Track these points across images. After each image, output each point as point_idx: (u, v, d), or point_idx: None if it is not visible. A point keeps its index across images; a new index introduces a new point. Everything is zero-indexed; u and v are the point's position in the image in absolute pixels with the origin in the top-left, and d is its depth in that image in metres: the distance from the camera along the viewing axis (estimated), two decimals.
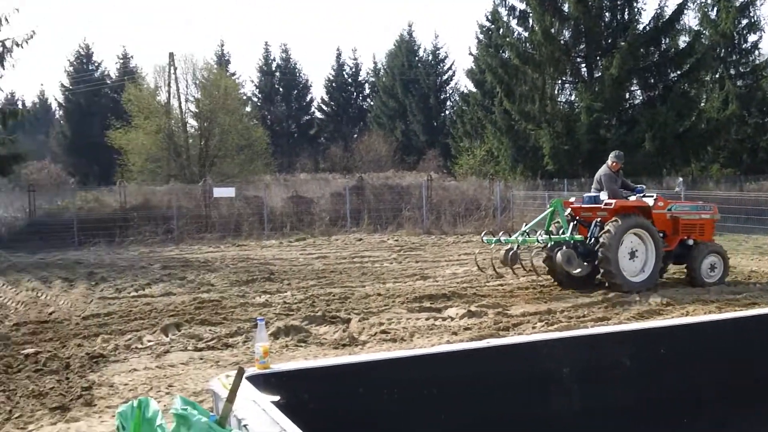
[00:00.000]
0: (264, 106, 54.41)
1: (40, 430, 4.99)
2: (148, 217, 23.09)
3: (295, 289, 11.41)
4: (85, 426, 5.06)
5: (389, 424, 3.39)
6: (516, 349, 3.69)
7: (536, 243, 10.77)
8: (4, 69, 23.35)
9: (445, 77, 51.46)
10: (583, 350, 3.69)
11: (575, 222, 10.98)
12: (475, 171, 33.26)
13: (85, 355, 7.13)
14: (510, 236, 10.99)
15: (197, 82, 35.24)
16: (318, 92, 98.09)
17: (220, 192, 23.40)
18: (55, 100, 60.03)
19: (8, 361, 6.83)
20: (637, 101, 28.31)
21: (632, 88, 28.09)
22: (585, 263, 10.52)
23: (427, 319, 8.79)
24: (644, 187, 11.55)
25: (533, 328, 8.17)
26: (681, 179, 14.57)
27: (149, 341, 7.74)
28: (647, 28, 26.93)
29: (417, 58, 51.71)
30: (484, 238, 11.04)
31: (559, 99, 29.36)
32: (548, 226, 10.95)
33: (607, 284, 10.39)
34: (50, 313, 9.64)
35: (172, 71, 34.74)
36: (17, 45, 23.33)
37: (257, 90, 56.08)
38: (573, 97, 29.44)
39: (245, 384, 2.65)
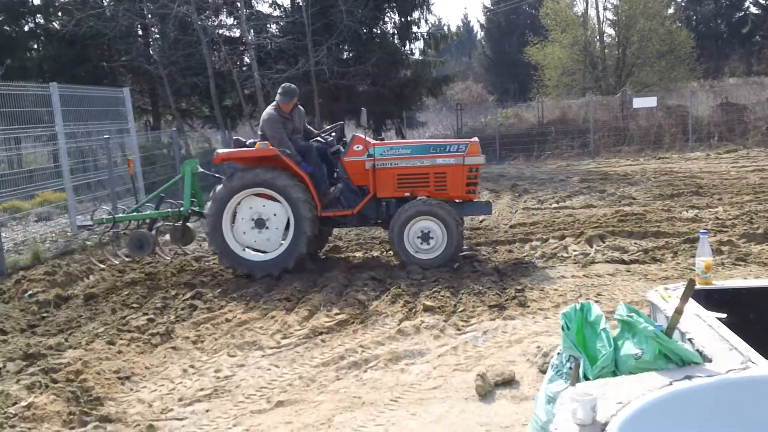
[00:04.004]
0: (689, 6, 49.63)
1: (481, 324, 5.46)
2: (564, 131, 23.39)
3: (728, 204, 10.42)
4: (520, 324, 5.38)
5: None
6: None
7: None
8: None
9: None
10: None
11: None
12: None
13: (514, 260, 7.58)
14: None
15: None
16: None
17: (640, 102, 22.29)
18: (477, 21, 64.05)
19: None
20: None
21: None
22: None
23: None
24: (342, 123, 8.57)
25: None
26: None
27: (574, 251, 7.85)
28: None
29: None
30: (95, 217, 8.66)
31: None
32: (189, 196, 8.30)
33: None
34: (481, 221, 10.45)
35: None
36: None
37: None
38: None
39: None
